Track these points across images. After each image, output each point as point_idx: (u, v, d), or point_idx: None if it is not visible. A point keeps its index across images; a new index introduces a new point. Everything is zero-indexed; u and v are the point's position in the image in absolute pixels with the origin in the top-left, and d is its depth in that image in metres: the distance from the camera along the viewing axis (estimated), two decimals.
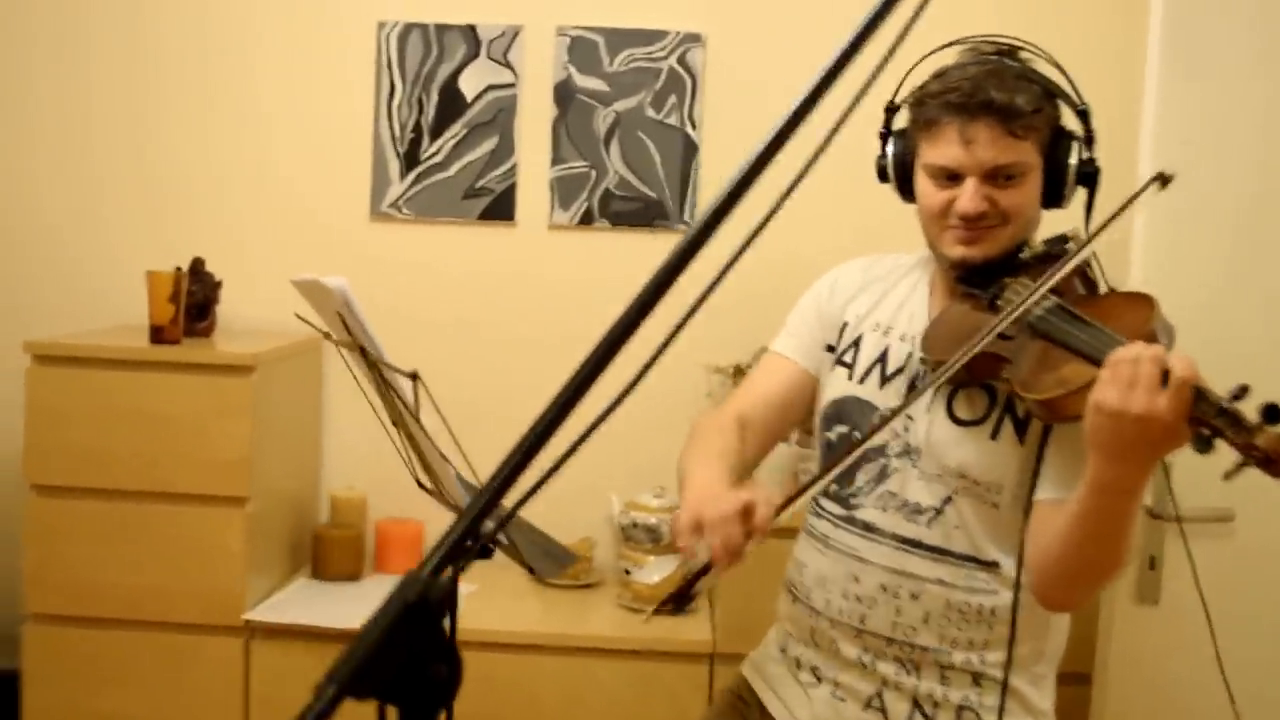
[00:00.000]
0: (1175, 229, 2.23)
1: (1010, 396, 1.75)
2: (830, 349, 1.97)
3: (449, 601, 0.95)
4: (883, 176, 1.93)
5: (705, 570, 1.63)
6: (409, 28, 3.07)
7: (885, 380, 1.87)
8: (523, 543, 1.46)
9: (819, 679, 1.90)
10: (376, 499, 3.07)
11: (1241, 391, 1.36)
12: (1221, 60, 2.24)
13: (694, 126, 3.06)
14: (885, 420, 1.74)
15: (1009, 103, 1.73)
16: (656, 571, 2.85)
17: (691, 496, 1.70)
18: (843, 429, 1.90)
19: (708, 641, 2.70)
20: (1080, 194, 1.83)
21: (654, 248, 3.09)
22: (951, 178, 1.77)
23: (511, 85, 3.07)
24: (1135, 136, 2.28)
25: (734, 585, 2.67)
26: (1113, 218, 1.60)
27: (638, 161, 3.07)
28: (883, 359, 1.89)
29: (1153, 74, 2.25)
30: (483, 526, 0.92)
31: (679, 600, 1.72)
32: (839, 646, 1.86)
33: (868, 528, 1.83)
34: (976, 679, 1.81)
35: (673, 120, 3.06)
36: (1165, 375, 1.40)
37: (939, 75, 1.81)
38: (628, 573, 2.96)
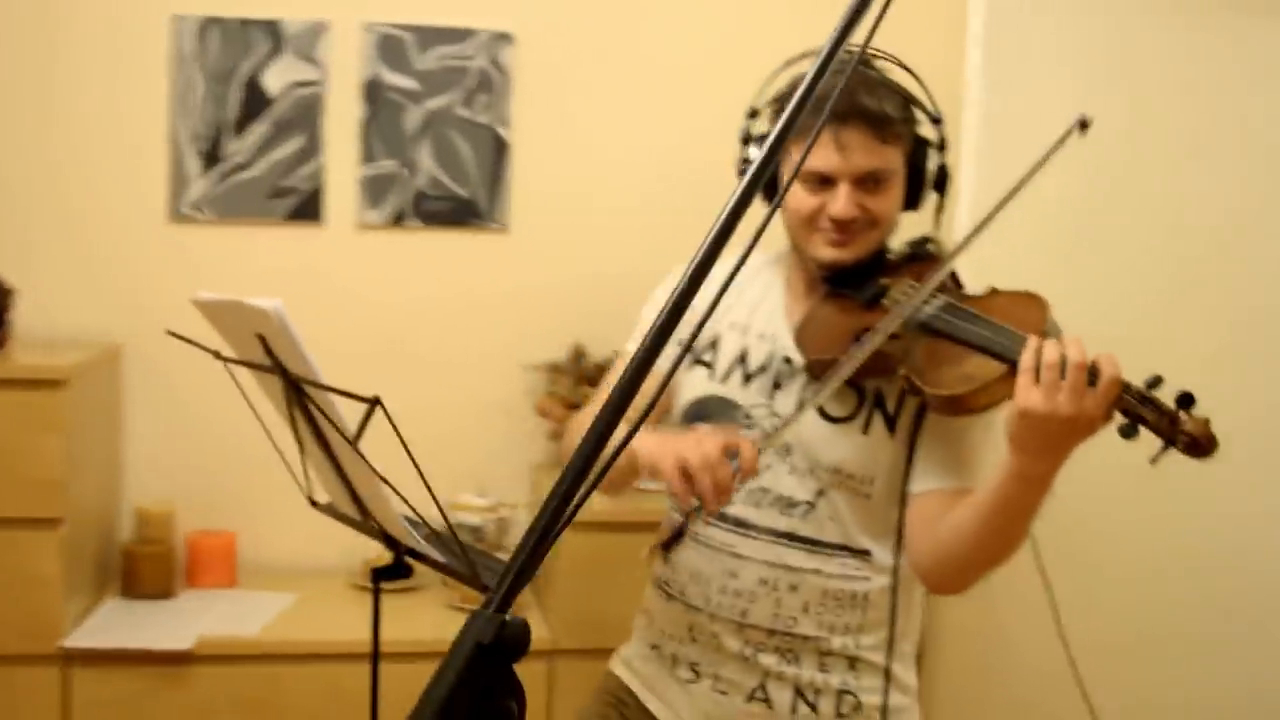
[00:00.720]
0: (995, 233, 2.39)
1: (878, 392, 1.84)
2: (687, 347, 2.01)
3: (524, 639, 0.95)
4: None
5: (697, 510, 1.70)
6: (208, 21, 2.95)
7: (747, 379, 1.94)
8: (483, 563, 1.46)
9: (698, 675, 1.96)
10: (184, 511, 2.95)
11: (1156, 381, 1.49)
12: (1039, 69, 2.40)
13: (505, 126, 3.06)
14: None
15: (879, 110, 1.81)
16: None
17: (662, 444, 1.71)
18: (705, 428, 1.95)
19: (545, 639, 2.73)
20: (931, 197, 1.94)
21: (467, 247, 3.09)
22: (823, 182, 1.83)
23: (318, 82, 3.00)
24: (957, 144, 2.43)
25: (565, 580, 2.71)
26: (1028, 176, 1.66)
27: (450, 161, 3.05)
28: (743, 358, 1.95)
29: (974, 84, 2.40)
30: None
31: (670, 545, 1.82)
32: (720, 641, 1.92)
33: (741, 524, 1.89)
34: (853, 663, 1.91)
35: (484, 119, 3.05)
36: (1091, 374, 1.49)
37: (798, 79, 1.87)
38: None
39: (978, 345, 1.66)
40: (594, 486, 1.00)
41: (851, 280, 1.89)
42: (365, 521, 1.63)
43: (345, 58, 3.00)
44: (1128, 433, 1.50)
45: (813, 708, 1.91)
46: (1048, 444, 1.54)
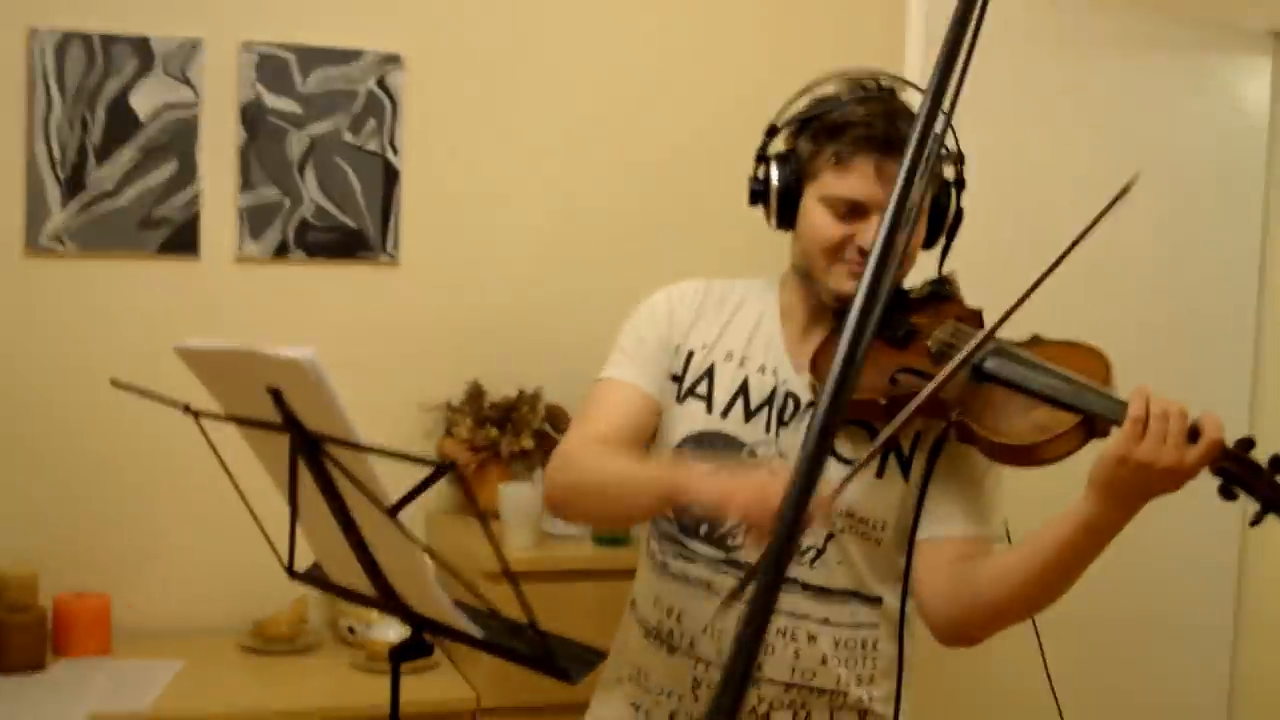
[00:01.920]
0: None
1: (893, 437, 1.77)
2: (675, 378, 1.91)
3: None
4: (756, 199, 1.89)
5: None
6: (68, 37, 2.70)
7: (750, 415, 1.85)
8: (553, 644, 1.33)
9: None
10: (49, 573, 2.67)
11: (1250, 443, 1.49)
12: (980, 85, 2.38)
13: (395, 152, 2.90)
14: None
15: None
16: (393, 628, 2.68)
17: (730, 485, 1.60)
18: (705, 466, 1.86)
19: (467, 698, 2.57)
20: None
21: (355, 280, 2.92)
22: (853, 211, 1.76)
23: (192, 104, 2.78)
24: None
25: None
26: (1081, 236, 1.61)
27: (336, 189, 2.87)
28: (744, 391, 1.86)
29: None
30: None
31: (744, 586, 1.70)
32: None
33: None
34: (863, 716, 1.85)
35: (372, 145, 2.89)
36: (1192, 431, 1.48)
37: (829, 103, 1.81)
38: (352, 631, 2.77)
39: (1048, 396, 1.62)
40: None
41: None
42: (380, 595, 1.47)
43: (221, 78, 2.79)
44: (1227, 494, 1.51)
45: None
46: (1135, 493, 1.53)
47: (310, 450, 1.36)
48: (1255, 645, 3.06)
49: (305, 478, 1.42)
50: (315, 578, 1.62)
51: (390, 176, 2.90)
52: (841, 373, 0.96)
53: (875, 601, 1.82)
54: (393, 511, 1.31)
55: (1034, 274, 1.60)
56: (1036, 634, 1.85)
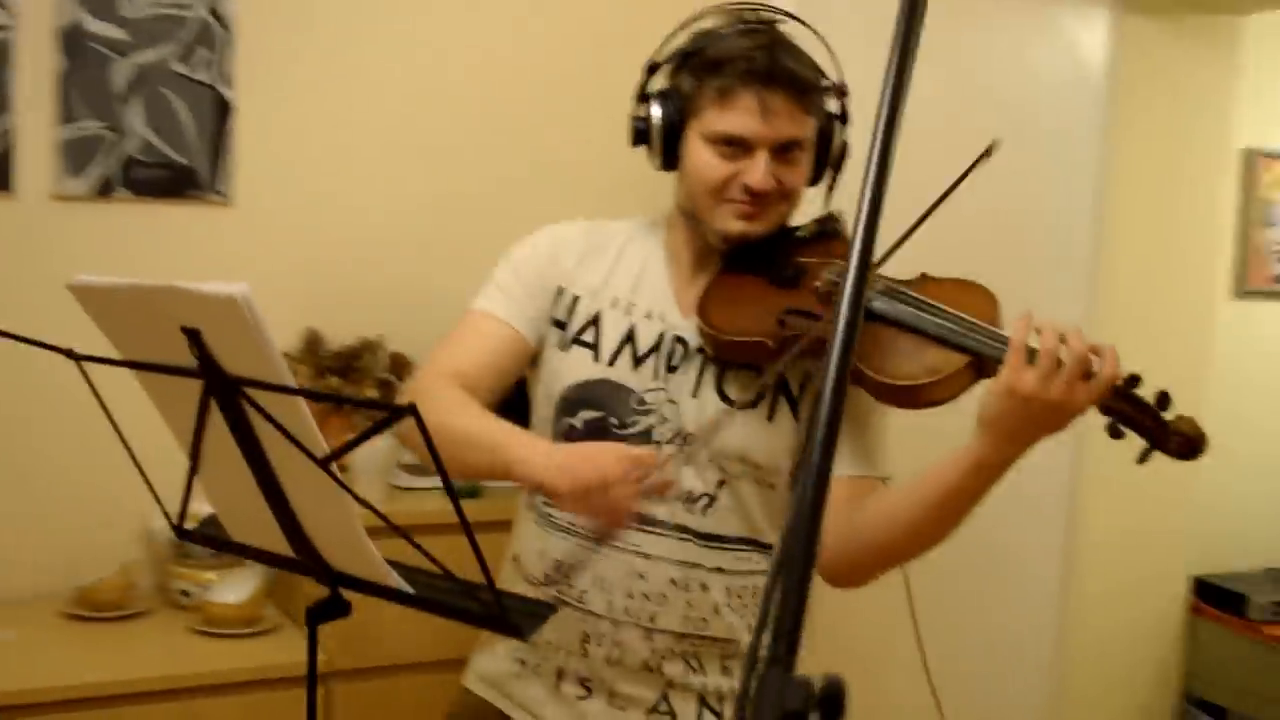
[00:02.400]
0: None
1: (781, 375, 1.75)
2: (559, 324, 1.84)
3: (843, 698, 0.79)
4: (640, 139, 1.81)
5: (605, 534, 1.60)
6: None
7: (638, 361, 1.80)
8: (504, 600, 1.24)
9: (590, 691, 1.80)
10: None
11: (1135, 379, 1.48)
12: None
13: (228, 85, 2.72)
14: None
15: (805, 75, 1.72)
16: (232, 590, 2.53)
17: (563, 466, 1.57)
18: (592, 414, 1.80)
19: (320, 660, 2.44)
20: None
21: (185, 221, 2.73)
22: (738, 148, 1.71)
23: (5, 28, 2.54)
24: None
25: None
26: (946, 194, 1.60)
27: (164, 123, 2.67)
28: (630, 338, 1.81)
29: None
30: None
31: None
32: (622, 651, 1.77)
33: (647, 521, 1.74)
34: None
35: (204, 76, 2.70)
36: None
37: (710, 38, 1.75)
38: (186, 594, 2.61)
39: (937, 336, 1.60)
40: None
41: (756, 256, 1.78)
42: (297, 552, 1.36)
43: (37, 1, 2.56)
44: (1116, 433, 1.49)
45: (718, 716, 1.80)
46: (1024, 428, 1.49)
47: (228, 396, 1.24)
48: (1085, 574, 3.16)
49: (215, 427, 1.29)
50: (207, 536, 1.49)
51: (223, 111, 2.71)
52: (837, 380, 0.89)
53: (768, 548, 1.79)
54: (327, 461, 1.21)
55: (893, 220, 1.58)
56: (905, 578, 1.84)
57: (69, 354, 1.32)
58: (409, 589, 1.30)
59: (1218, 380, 3.22)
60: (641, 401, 1.77)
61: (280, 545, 1.37)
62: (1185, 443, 1.45)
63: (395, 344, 2.81)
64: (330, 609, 1.37)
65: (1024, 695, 2.93)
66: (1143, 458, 1.50)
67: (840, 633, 2.52)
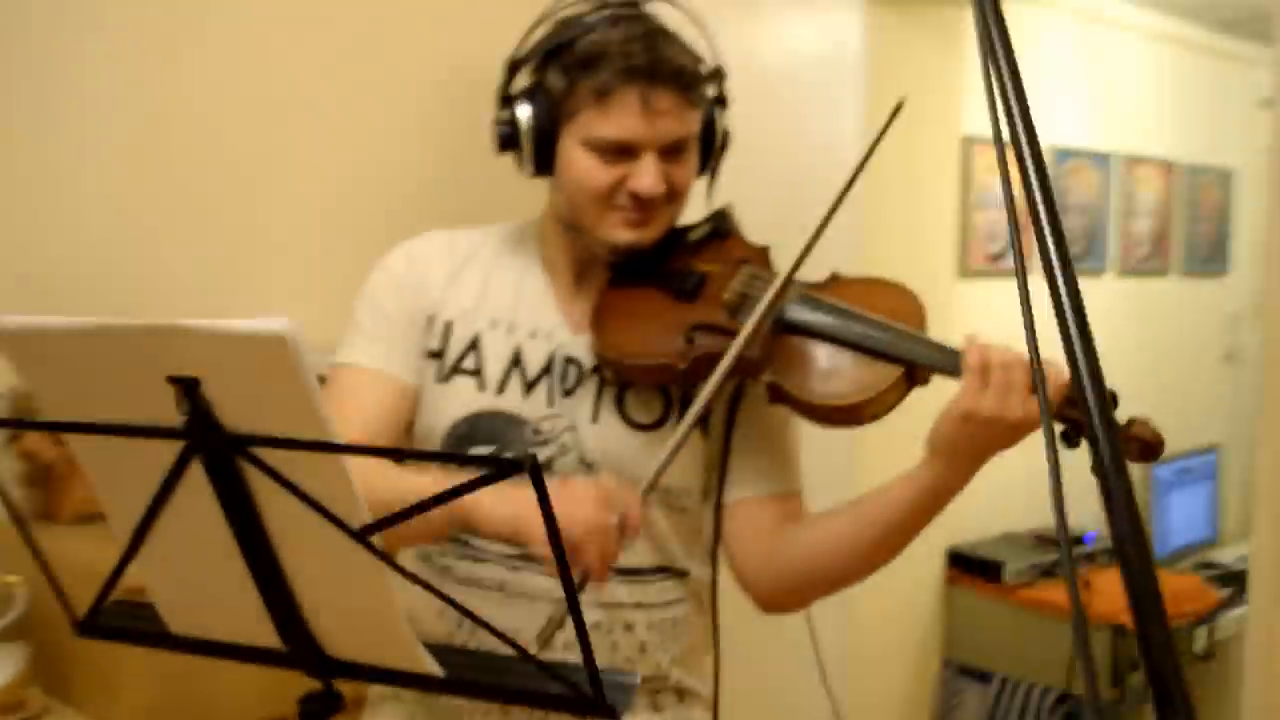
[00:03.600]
0: None
1: (684, 393, 1.63)
2: (435, 355, 1.64)
3: None
4: (507, 145, 1.62)
5: (583, 585, 1.37)
6: None
7: (529, 387, 1.62)
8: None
9: None
10: None
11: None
12: None
13: None
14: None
15: (689, 67, 1.57)
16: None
17: (524, 505, 1.33)
18: (484, 450, 1.61)
19: None
20: None
21: None
22: (618, 151, 1.55)
23: None
24: None
25: (150, 665, 2.11)
26: (865, 159, 1.50)
27: None
28: (517, 361, 1.63)
29: None
30: None
31: (552, 633, 1.44)
32: None
33: None
34: (681, 695, 1.71)
35: None
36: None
37: (577, 28, 1.57)
38: None
39: (867, 348, 1.50)
40: None
41: (647, 264, 1.63)
42: (284, 640, 1.11)
43: None
44: (1071, 441, 1.43)
45: None
46: (981, 450, 1.43)
47: (223, 459, 0.99)
48: None
49: (189, 498, 1.04)
50: (117, 630, 1.21)
51: None
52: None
53: (683, 575, 1.67)
54: (366, 533, 0.99)
55: None
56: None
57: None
58: (440, 672, 1.09)
59: None
60: (537, 431, 1.59)
61: (255, 634, 1.12)
62: (1144, 447, 1.42)
63: None
64: (325, 703, 1.13)
65: (804, 663, 2.94)
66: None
67: None
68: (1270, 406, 2.44)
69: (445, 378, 1.62)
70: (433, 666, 1.09)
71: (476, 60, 1.83)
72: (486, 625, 1.07)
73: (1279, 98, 2.46)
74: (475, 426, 1.59)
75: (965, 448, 1.42)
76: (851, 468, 2.83)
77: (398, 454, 1.35)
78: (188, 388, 0.97)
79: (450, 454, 1.13)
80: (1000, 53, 0.94)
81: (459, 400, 1.61)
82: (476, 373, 1.61)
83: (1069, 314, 0.87)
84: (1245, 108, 4.98)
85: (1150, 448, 1.43)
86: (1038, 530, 3.69)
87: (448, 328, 1.63)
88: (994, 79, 0.93)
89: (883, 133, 1.48)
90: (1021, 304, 0.92)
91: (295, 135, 2.68)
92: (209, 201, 2.58)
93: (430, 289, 1.65)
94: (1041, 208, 0.93)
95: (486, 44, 1.72)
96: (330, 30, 2.72)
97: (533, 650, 1.28)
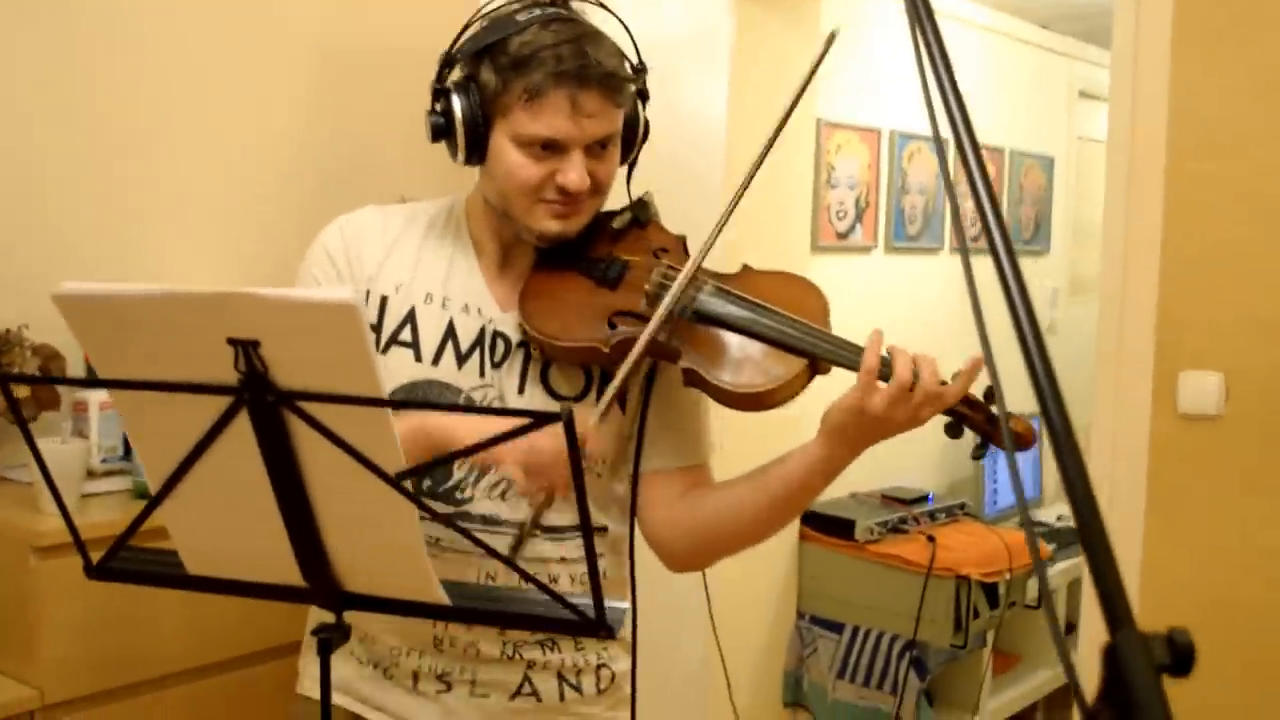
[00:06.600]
0: None
1: (604, 368, 1.76)
2: (372, 327, 1.73)
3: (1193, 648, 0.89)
4: (440, 135, 1.72)
5: (549, 503, 1.54)
6: None
7: (462, 359, 1.73)
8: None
9: (450, 684, 1.76)
10: None
11: (992, 394, 1.55)
12: None
13: None
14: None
15: (616, 70, 1.67)
16: None
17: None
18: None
19: (31, 695, 2.17)
20: None
21: None
22: (547, 147, 1.65)
23: None
24: None
25: (68, 620, 2.17)
26: (793, 104, 1.62)
27: None
28: (451, 334, 1.74)
29: None
30: None
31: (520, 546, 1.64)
32: (479, 648, 1.74)
33: (491, 521, 1.70)
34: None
35: None
36: None
37: (508, 26, 1.66)
38: None
39: (777, 341, 1.63)
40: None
41: (571, 249, 1.75)
42: (307, 579, 1.22)
43: None
44: (954, 432, 1.59)
45: (578, 689, 1.82)
46: (867, 439, 1.58)
47: (270, 413, 1.11)
48: None
49: (228, 447, 1.14)
50: (128, 571, 1.30)
51: None
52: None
53: (602, 531, 1.81)
54: (402, 478, 1.11)
55: None
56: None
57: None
58: (446, 601, 1.22)
59: None
60: (469, 400, 1.71)
61: (275, 573, 1.23)
62: (1018, 438, 1.60)
63: (40, 334, 2.50)
64: (336, 632, 1.25)
65: (693, 613, 3.08)
66: (977, 453, 1.62)
67: None
68: (1101, 380, 2.71)
69: (384, 349, 1.72)
70: (443, 597, 1.22)
71: (377, 38, 1.90)
72: (506, 560, 1.20)
73: (1114, 92, 2.71)
74: (411, 395, 1.69)
75: (853, 435, 1.57)
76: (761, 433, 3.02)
77: (435, 407, 1.46)
78: (247, 348, 1.08)
79: (488, 408, 1.25)
80: (935, 52, 1.05)
81: (397, 371, 1.71)
82: (412, 344, 1.72)
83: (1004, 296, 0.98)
84: (1063, 98, 5.35)
85: (1022, 438, 1.62)
86: (884, 490, 3.96)
87: (384, 302, 1.73)
88: (929, 77, 1.04)
89: (814, 70, 1.61)
90: (970, 291, 1.04)
91: (191, 101, 2.73)
92: (108, 165, 2.61)
93: (364, 264, 1.74)
94: (985, 197, 1.05)
95: (390, 23, 1.79)
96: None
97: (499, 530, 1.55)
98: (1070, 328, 5.15)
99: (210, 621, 2.30)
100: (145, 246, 2.69)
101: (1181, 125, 2.58)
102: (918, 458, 4.28)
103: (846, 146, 4.09)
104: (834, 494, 3.87)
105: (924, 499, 3.88)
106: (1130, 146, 2.62)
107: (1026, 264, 5.05)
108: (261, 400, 1.11)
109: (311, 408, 1.10)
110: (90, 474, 2.43)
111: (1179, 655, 0.86)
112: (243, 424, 1.13)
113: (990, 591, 3.62)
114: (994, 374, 1.06)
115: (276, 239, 2.77)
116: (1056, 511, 4.73)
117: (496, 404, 1.71)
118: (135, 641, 2.24)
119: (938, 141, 1.07)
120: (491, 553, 1.25)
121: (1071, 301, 5.39)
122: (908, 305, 4.25)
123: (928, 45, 1.08)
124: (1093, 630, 2.74)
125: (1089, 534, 0.92)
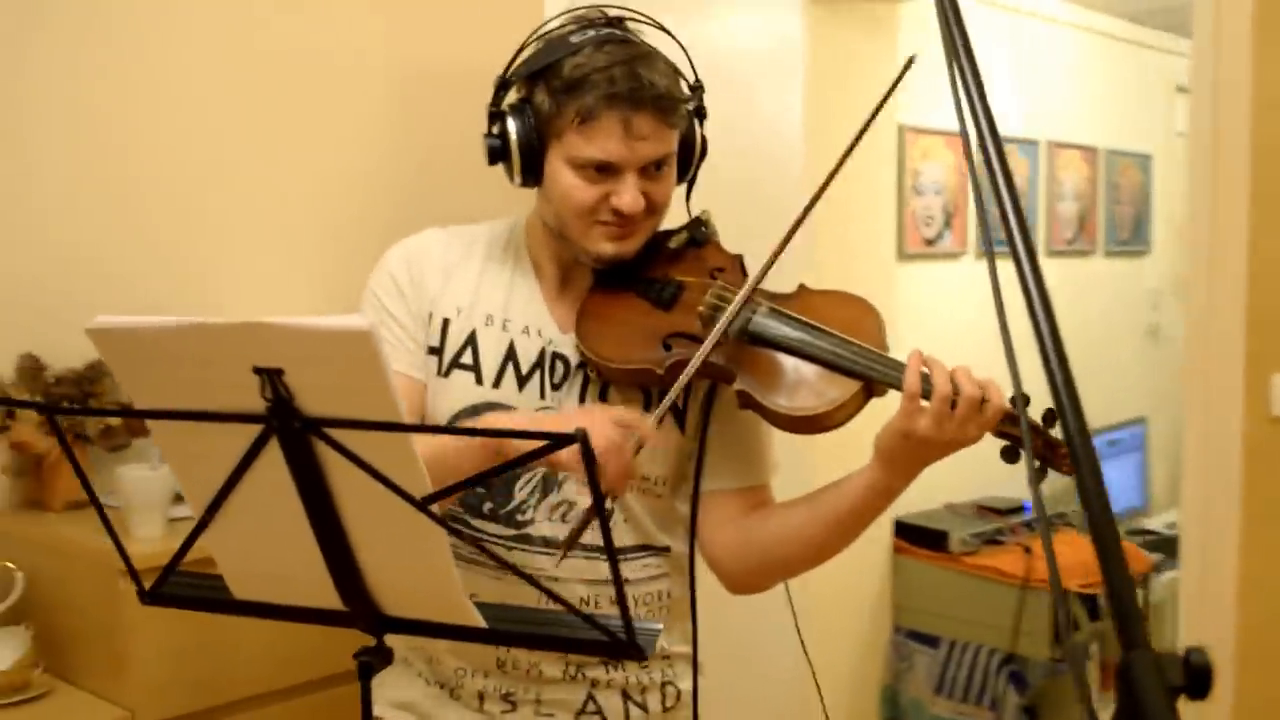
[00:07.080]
0: None
1: (661, 391, 1.74)
2: (433, 351, 1.76)
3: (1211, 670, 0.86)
4: (496, 158, 1.72)
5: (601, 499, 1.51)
6: None
7: (523, 381, 1.74)
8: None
9: (515, 705, 1.76)
10: None
11: (1026, 401, 1.55)
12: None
13: None
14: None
15: (669, 93, 1.66)
16: None
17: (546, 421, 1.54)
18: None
19: (123, 716, 2.22)
20: None
21: None
22: (601, 170, 1.65)
23: None
24: None
25: (159, 644, 2.22)
26: (868, 122, 1.58)
27: None
28: (512, 356, 1.75)
29: None
30: None
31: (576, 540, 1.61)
32: (541, 669, 1.74)
33: (549, 543, 1.71)
34: (666, 658, 1.84)
35: None
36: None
37: (562, 48, 1.66)
38: None
39: (830, 363, 1.60)
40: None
41: (628, 269, 1.74)
42: (346, 603, 1.24)
43: None
44: (1011, 456, 1.55)
45: (643, 707, 1.82)
46: (918, 461, 1.56)
47: (299, 440, 1.12)
48: None
49: (262, 475, 1.16)
50: (179, 597, 1.33)
51: None
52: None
53: (664, 550, 1.80)
54: (428, 502, 1.12)
55: None
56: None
57: (42, 409, 1.14)
58: (480, 622, 1.22)
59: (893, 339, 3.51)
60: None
61: (316, 598, 1.25)
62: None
63: None
64: (377, 656, 1.26)
65: (780, 630, 3.06)
66: (1035, 480, 1.58)
67: None
68: (1191, 384, 2.63)
69: (445, 372, 1.74)
70: (479, 619, 1.22)
71: (446, 62, 1.91)
72: (535, 582, 1.20)
73: (1195, 87, 2.64)
74: (473, 418, 1.70)
75: (903, 458, 1.56)
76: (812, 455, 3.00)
77: (458, 431, 1.47)
78: (271, 377, 1.09)
79: (510, 430, 1.26)
80: (962, 52, 1.04)
81: (459, 394, 1.72)
82: (474, 368, 1.73)
83: (1036, 300, 0.98)
84: (1160, 94, 5.22)
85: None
86: (979, 501, 3.88)
87: (445, 325, 1.75)
88: (957, 77, 1.03)
89: (889, 93, 1.58)
90: (995, 295, 1.02)
91: (266, 133, 2.78)
92: (176, 201, 2.67)
93: (428, 288, 1.76)
94: (1006, 196, 1.04)
95: (458, 47, 1.81)
96: (304, 26, 2.82)
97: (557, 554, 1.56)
98: (1178, 330, 5.02)
99: (296, 642, 2.33)
100: (228, 275, 2.74)
101: (1267, 119, 2.50)
102: (1012, 466, 4.19)
103: (932, 152, 4.03)
104: (928, 505, 3.82)
105: (1020, 509, 3.80)
106: (1214, 142, 2.55)
107: (1123, 265, 5.00)
108: (289, 427, 1.12)
109: (337, 433, 1.12)
110: (178, 499, 2.48)
111: (1195, 676, 0.83)
112: (274, 451, 1.15)
113: (1091, 603, 3.53)
114: (1017, 386, 1.02)
115: (355, 264, 2.80)
116: (1165, 520, 4.60)
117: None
118: (224, 662, 2.28)
119: (965, 137, 1.06)
120: (511, 569, 1.25)
121: (1178, 303, 5.25)
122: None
123: (954, 43, 1.08)
124: (1190, 642, 2.65)
125: (1106, 557, 0.90)
